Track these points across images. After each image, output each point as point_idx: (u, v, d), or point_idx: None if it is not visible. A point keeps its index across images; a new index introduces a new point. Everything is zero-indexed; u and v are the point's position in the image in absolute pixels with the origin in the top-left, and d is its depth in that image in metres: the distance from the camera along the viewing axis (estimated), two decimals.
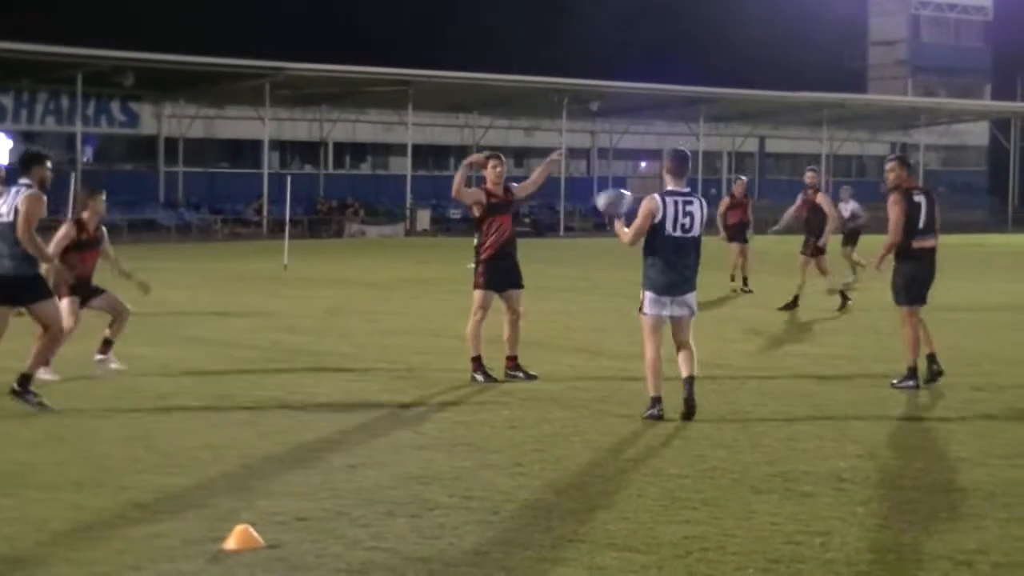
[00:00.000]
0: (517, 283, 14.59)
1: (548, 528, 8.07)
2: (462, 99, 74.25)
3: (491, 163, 14.64)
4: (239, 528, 7.68)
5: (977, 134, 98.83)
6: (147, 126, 72.43)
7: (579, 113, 74.09)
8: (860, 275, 27.19)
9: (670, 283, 11.76)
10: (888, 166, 14.53)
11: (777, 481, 9.37)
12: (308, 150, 78.32)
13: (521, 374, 14.34)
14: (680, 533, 7.96)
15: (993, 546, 7.70)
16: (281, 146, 76.13)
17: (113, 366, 14.66)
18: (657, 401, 11.76)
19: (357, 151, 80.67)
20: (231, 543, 7.58)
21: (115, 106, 70.75)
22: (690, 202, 11.77)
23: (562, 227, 70.10)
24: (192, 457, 10.12)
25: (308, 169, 76.22)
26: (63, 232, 14.47)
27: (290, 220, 38.11)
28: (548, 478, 9.44)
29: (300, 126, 76.21)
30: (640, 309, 11.98)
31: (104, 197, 14.93)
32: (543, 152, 78.22)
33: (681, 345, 11.92)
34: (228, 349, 17.28)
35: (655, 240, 11.76)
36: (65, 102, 67.33)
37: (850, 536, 7.89)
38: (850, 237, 28.80)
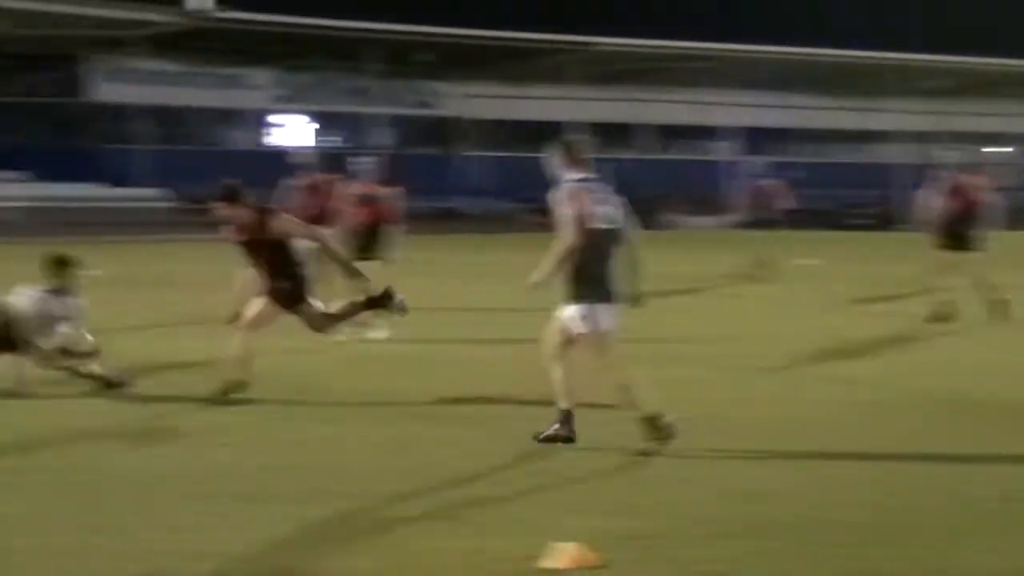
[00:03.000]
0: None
1: None
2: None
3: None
4: (565, 545, 7.76)
5: None
6: (448, 107, 73.63)
7: None
8: None
9: (614, 291, 10.86)
10: None
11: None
12: (618, 133, 78.36)
13: None
14: None
15: None
16: (589, 128, 76.31)
17: None
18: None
19: (672, 134, 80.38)
20: (555, 561, 7.66)
21: (414, 85, 72.22)
22: (605, 188, 11.08)
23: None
24: (507, 468, 10.25)
25: (619, 153, 76.37)
26: None
27: None
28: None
29: (609, 106, 76.17)
30: (585, 327, 10.80)
31: None
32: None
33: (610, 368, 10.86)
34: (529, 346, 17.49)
35: (581, 238, 10.77)
36: (364, 82, 69.09)
37: None
38: None
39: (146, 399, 13.22)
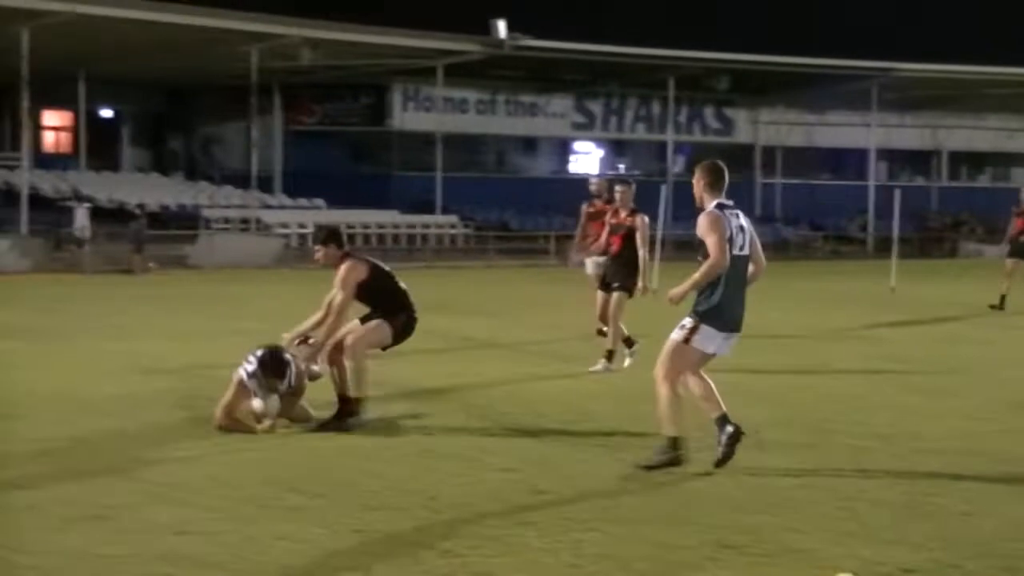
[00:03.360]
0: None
1: None
2: None
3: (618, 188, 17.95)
4: None
5: None
6: (742, 134, 73.36)
7: None
8: None
9: (737, 319, 11.24)
10: None
11: None
12: (918, 160, 77.04)
13: None
14: None
15: None
16: (888, 155, 75.17)
17: None
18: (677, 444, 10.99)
19: (974, 161, 78.63)
20: None
21: (708, 112, 72.09)
22: (738, 215, 11.23)
23: None
24: (786, 496, 10.12)
25: (918, 181, 75.00)
26: None
27: (898, 237, 37.58)
28: None
29: (910, 133, 74.92)
30: (685, 340, 11.05)
31: None
32: None
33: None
34: (822, 376, 17.29)
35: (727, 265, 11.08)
36: (656, 108, 69.24)
37: None
38: None
39: (415, 425, 13.38)
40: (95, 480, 10.45)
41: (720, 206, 11.16)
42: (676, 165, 66.77)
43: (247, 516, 9.35)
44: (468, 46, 57.73)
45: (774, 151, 72.37)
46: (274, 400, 12.80)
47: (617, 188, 18.35)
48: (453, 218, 60.35)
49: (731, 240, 11.03)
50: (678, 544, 8.67)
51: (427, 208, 60.25)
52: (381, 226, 57.50)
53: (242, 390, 12.77)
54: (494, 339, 22.01)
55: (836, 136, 73.11)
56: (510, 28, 56.65)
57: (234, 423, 12.66)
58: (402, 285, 13.60)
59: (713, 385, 11.16)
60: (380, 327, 13.35)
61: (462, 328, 23.70)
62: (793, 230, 67.42)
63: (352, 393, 13.11)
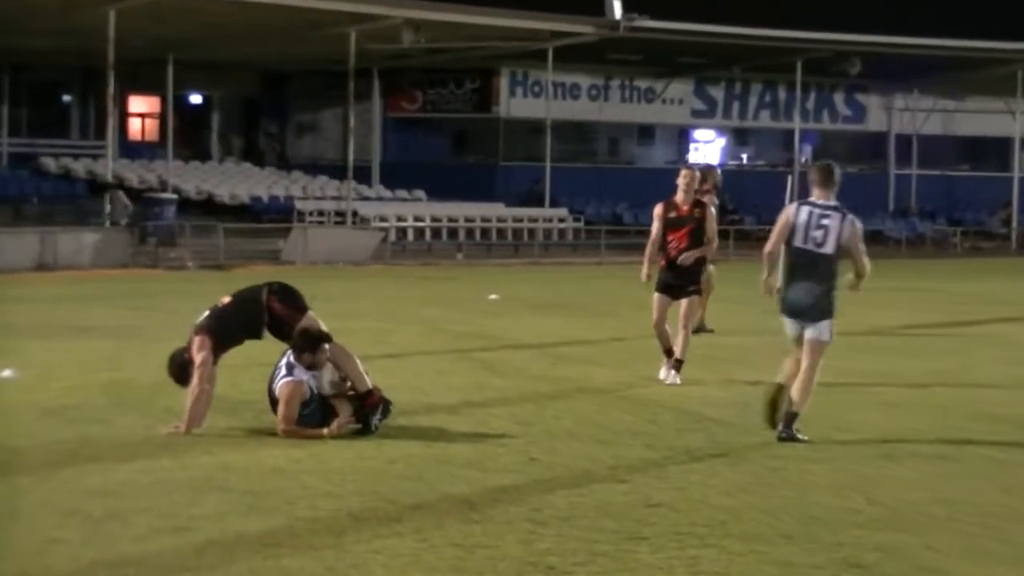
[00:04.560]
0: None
1: None
2: None
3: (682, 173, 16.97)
4: None
5: None
6: (875, 121, 72.79)
7: None
8: None
9: (795, 306, 12.71)
10: None
11: None
12: None
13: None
14: None
15: None
16: None
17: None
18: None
19: None
20: None
21: (838, 98, 71.59)
22: (827, 215, 12.56)
23: None
24: (920, 512, 10.03)
25: None
26: None
27: None
28: None
29: None
30: None
31: None
32: None
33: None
34: (959, 383, 17.14)
35: (786, 252, 12.77)
36: (782, 94, 68.84)
37: None
38: None
39: (518, 433, 13.39)
40: (180, 488, 10.51)
41: (805, 202, 12.75)
42: (803, 154, 66.36)
43: (340, 528, 9.38)
44: (581, 27, 57.55)
45: (909, 140, 71.70)
46: (326, 374, 12.95)
47: (681, 173, 17.23)
48: (562, 211, 60.23)
49: (793, 232, 12.61)
50: (802, 562, 8.62)
51: (535, 200, 60.21)
52: (486, 220, 57.54)
53: (294, 389, 12.84)
54: (603, 341, 21.95)
55: (976, 124, 72.27)
56: (626, 8, 56.43)
57: (298, 431, 12.71)
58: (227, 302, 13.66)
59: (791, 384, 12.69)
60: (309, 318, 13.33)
61: (570, 329, 23.70)
62: (930, 225, 66.80)
63: (362, 388, 13.05)
